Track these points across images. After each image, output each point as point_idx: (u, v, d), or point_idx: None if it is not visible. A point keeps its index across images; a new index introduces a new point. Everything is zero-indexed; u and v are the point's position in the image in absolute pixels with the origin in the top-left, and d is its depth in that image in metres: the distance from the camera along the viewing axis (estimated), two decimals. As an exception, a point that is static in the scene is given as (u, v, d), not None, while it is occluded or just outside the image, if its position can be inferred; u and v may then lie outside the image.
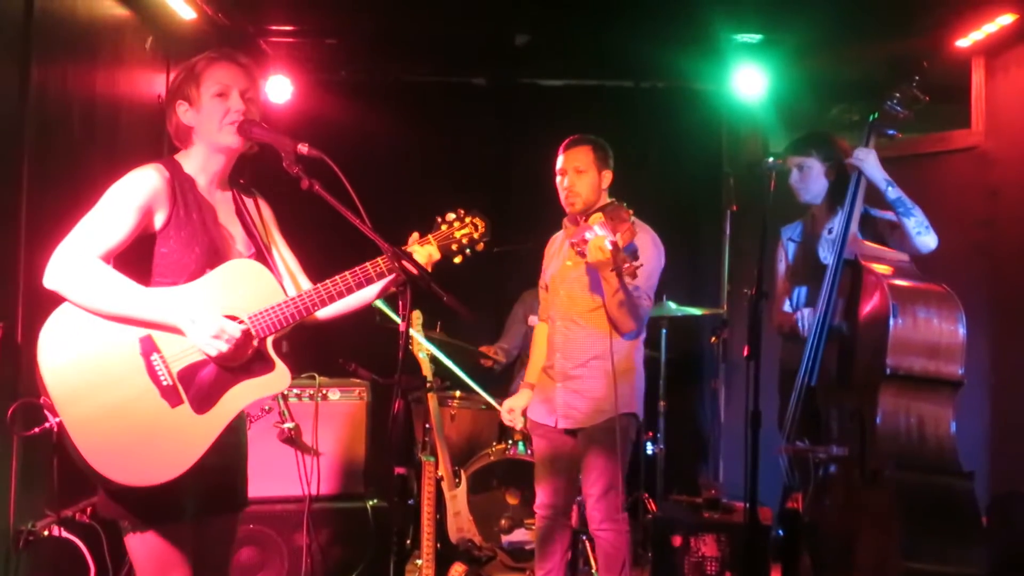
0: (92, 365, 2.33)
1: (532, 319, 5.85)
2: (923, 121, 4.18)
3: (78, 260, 2.33)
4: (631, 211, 3.59)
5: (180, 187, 2.51)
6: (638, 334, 3.87)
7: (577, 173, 3.85)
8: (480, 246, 2.77)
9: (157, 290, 2.42)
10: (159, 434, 2.35)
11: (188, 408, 2.37)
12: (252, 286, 2.50)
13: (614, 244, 3.45)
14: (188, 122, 2.56)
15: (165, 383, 2.36)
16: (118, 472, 2.31)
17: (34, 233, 3.30)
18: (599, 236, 3.52)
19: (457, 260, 2.77)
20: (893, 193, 3.59)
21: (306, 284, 2.74)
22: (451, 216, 2.75)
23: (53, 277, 2.33)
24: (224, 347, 2.36)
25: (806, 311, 3.72)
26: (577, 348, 3.85)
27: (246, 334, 2.41)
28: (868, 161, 3.59)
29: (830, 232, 3.75)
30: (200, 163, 2.58)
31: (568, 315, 3.89)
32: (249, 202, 2.70)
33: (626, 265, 3.41)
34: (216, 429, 2.40)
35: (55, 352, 2.32)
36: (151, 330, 2.38)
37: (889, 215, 3.68)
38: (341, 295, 2.53)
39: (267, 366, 2.48)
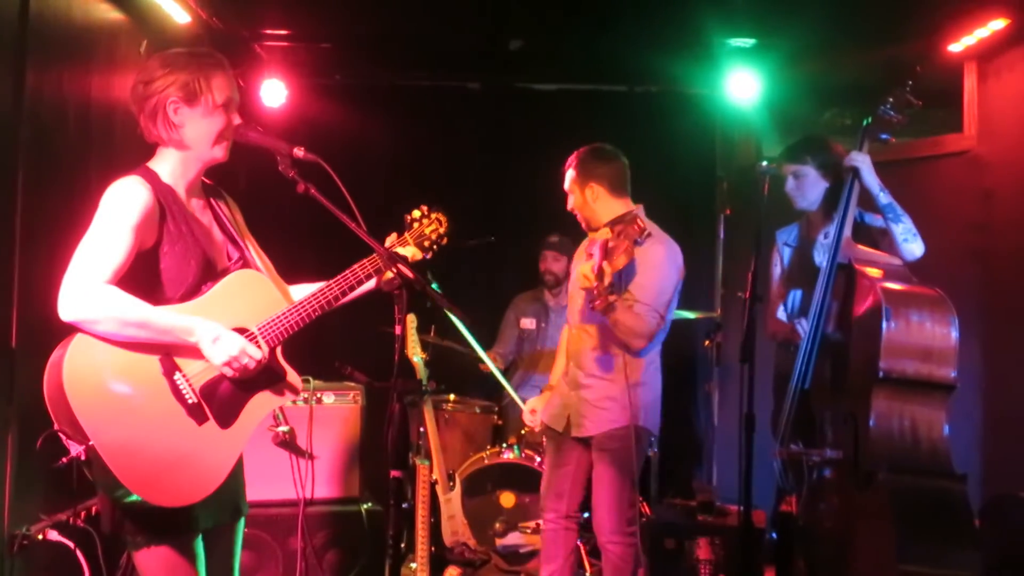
0: (118, 389, 2.31)
1: (524, 322, 5.88)
2: (916, 125, 4.20)
3: (91, 289, 2.26)
4: (644, 226, 3.42)
5: (164, 199, 2.45)
6: (648, 351, 3.77)
7: (569, 195, 3.92)
8: (445, 240, 2.87)
9: (169, 309, 2.38)
10: (190, 453, 2.35)
11: (214, 425, 2.39)
12: (256, 297, 2.52)
13: (599, 272, 3.38)
14: (177, 121, 2.45)
15: (190, 401, 2.37)
16: (157, 494, 2.30)
17: (29, 237, 3.29)
18: (588, 263, 3.47)
19: (428, 256, 2.85)
20: (884, 199, 3.61)
21: (279, 281, 2.72)
22: (417, 213, 2.85)
23: (69, 310, 2.26)
24: (241, 368, 2.38)
25: (805, 322, 3.71)
26: (588, 358, 3.81)
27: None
28: (863, 166, 3.61)
29: (826, 237, 3.74)
30: (178, 170, 2.50)
31: (581, 324, 3.86)
32: (222, 206, 2.66)
33: (599, 299, 3.36)
34: (241, 442, 2.43)
35: (81, 380, 2.27)
36: (169, 350, 2.36)
37: (881, 221, 3.69)
38: (338, 299, 2.59)
39: (279, 374, 2.52)
